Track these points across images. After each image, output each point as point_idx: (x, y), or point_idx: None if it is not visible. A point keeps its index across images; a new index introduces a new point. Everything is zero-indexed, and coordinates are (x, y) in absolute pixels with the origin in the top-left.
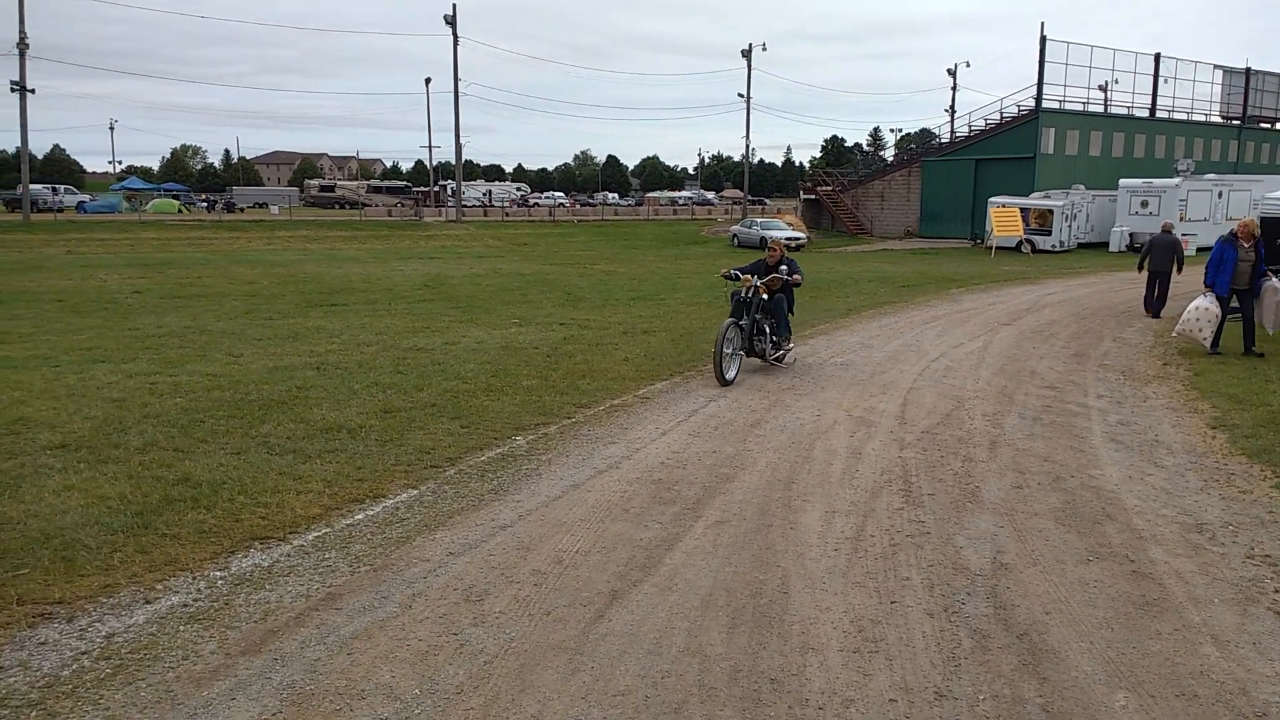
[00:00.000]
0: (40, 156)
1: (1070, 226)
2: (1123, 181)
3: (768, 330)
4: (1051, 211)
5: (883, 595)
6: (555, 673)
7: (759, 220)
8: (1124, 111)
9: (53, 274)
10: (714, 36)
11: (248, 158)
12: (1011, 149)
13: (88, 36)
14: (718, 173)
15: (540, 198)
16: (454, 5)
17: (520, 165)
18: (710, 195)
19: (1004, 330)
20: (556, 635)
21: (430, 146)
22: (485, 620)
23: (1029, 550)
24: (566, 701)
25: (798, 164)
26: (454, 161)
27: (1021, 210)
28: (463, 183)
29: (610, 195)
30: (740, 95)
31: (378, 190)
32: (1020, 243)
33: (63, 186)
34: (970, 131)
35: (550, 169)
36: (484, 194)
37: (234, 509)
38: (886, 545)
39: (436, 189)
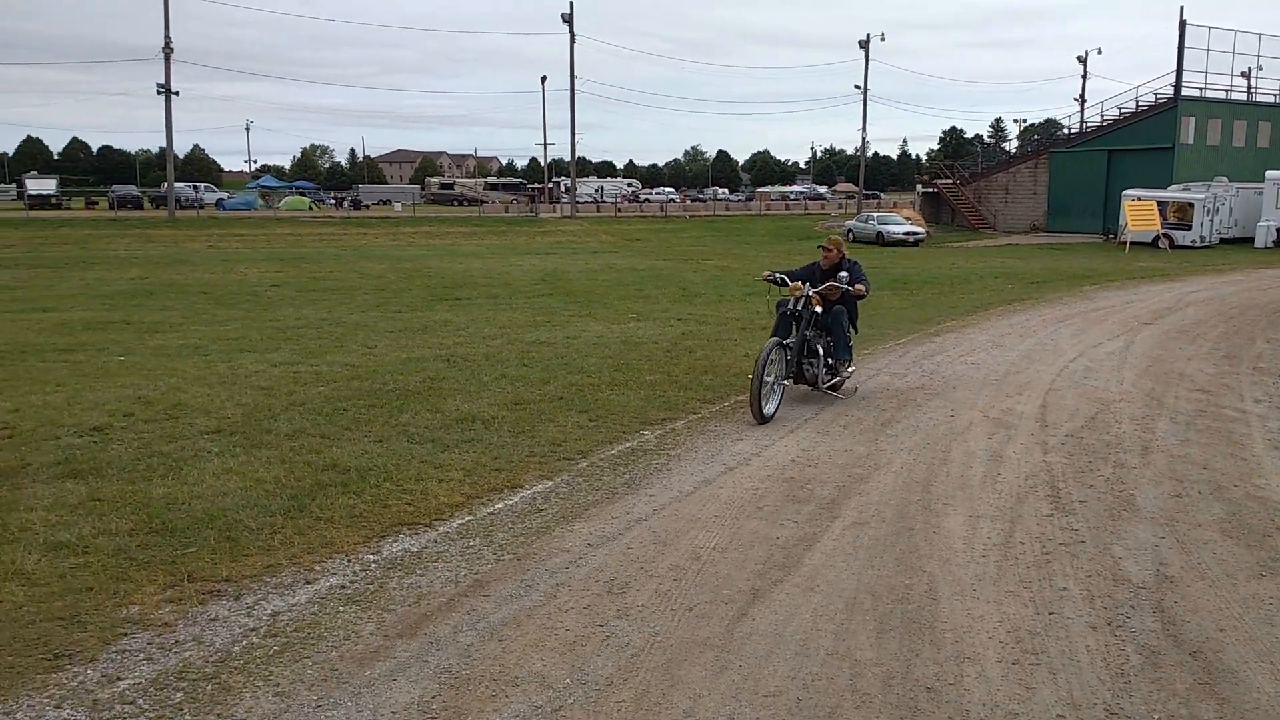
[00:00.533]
0: (182, 156)
1: (1212, 221)
2: (1270, 173)
3: (821, 351)
4: (1192, 205)
5: (1039, 605)
6: (703, 669)
7: (875, 214)
8: (1271, 99)
9: (197, 268)
10: (827, 28)
11: (372, 156)
12: (1148, 139)
13: (222, 40)
14: (830, 166)
15: (651, 193)
16: (571, 3)
17: (631, 161)
18: (822, 190)
19: (1145, 330)
20: (701, 632)
21: (545, 144)
22: (629, 613)
23: (1195, 563)
24: (717, 700)
25: (914, 156)
26: (568, 158)
27: (1159, 204)
28: (576, 179)
29: (721, 190)
30: (856, 87)
31: (494, 187)
32: (1157, 238)
33: (203, 185)
34: (1102, 121)
35: (660, 165)
36: (596, 190)
37: (381, 495)
38: (1038, 553)
39: (551, 185)
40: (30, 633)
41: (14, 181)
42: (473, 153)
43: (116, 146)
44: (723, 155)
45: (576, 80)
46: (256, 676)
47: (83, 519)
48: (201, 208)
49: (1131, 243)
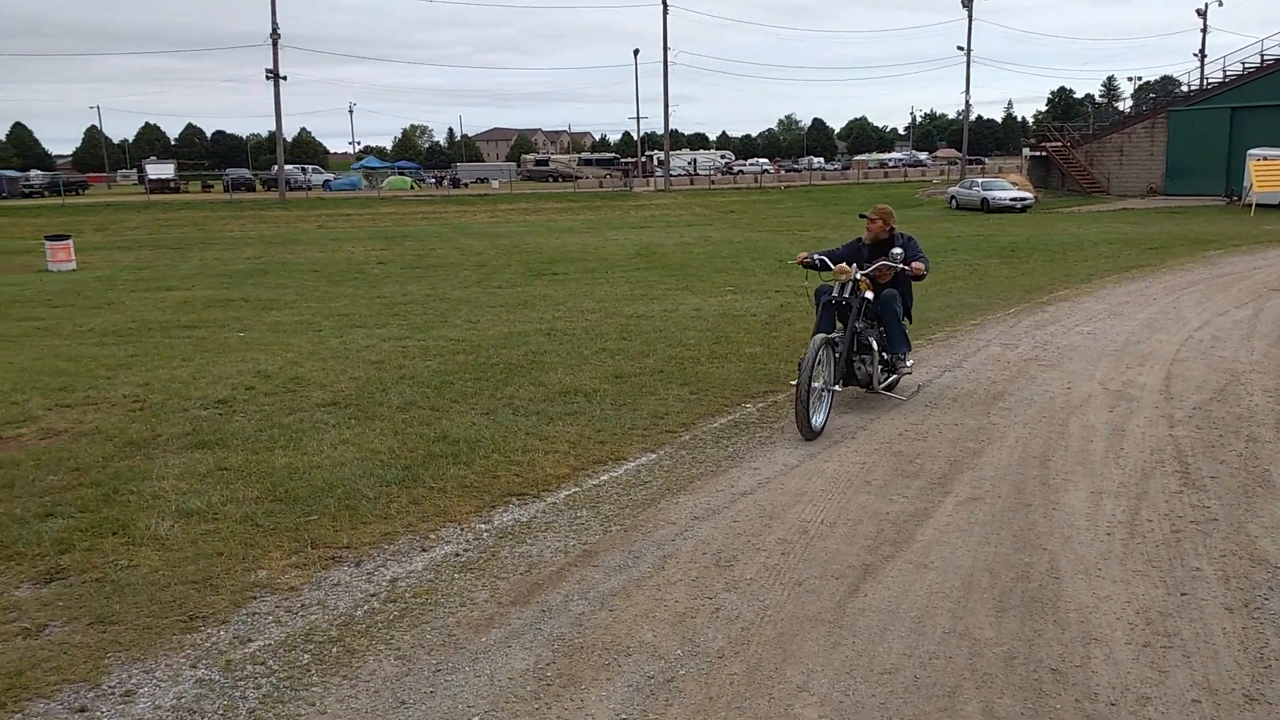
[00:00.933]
0: (290, 139)
1: None
2: None
3: (874, 345)
4: None
5: (1170, 586)
6: (815, 645)
7: (979, 180)
8: None
9: (308, 247)
10: None
11: (469, 135)
12: (1275, 95)
13: (326, 25)
14: (930, 132)
15: (744, 165)
16: None
17: (724, 133)
18: (923, 156)
19: (1276, 297)
20: (811, 607)
21: (638, 117)
22: (737, 586)
23: None
24: (831, 675)
25: (1019, 119)
26: (661, 131)
27: None
28: (670, 152)
29: (816, 160)
30: (959, 48)
31: (588, 162)
32: None
33: (310, 166)
34: (1225, 77)
35: (754, 135)
36: (689, 163)
37: (490, 466)
38: (1167, 531)
39: (644, 159)
40: (166, 595)
41: (135, 166)
42: (566, 128)
43: (229, 131)
44: (818, 123)
45: (669, 52)
46: (379, 640)
47: (211, 487)
48: (310, 189)
49: (1257, 205)
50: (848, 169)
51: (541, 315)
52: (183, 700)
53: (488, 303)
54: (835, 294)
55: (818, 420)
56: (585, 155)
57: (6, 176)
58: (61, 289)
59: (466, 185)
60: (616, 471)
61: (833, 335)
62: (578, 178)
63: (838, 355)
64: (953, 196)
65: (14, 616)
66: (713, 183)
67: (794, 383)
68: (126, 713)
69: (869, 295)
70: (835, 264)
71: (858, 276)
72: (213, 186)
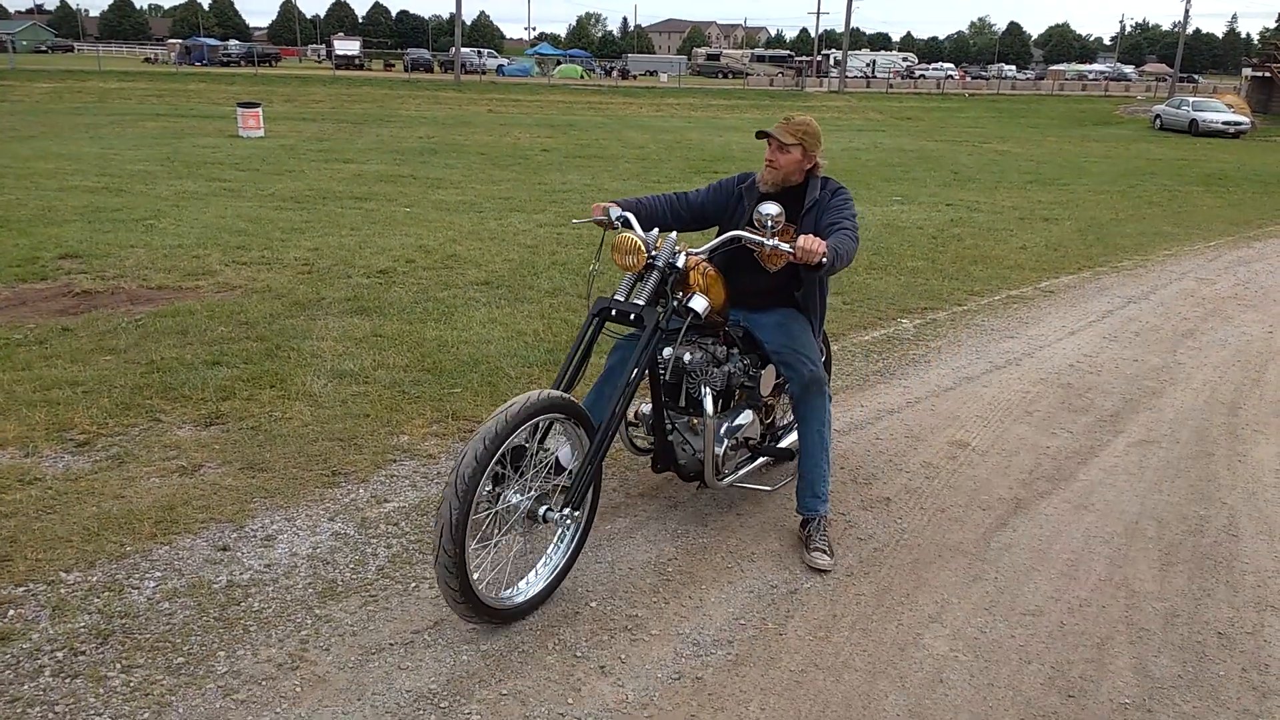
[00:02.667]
0: (469, 23)
1: None
2: None
3: (709, 400)
4: None
5: None
6: (953, 575)
7: (1190, 99)
8: None
9: (477, 129)
10: None
11: (643, 26)
12: None
13: None
14: (1139, 44)
15: (928, 69)
16: None
17: (909, 34)
18: (1128, 70)
19: None
20: (953, 536)
21: (818, 13)
22: (873, 505)
23: None
24: (967, 609)
25: (1243, 35)
26: (840, 29)
27: None
28: (848, 52)
29: (1007, 68)
30: None
31: (760, 59)
32: None
33: (486, 50)
34: None
35: (941, 37)
36: (868, 64)
37: None
38: None
39: (819, 59)
40: (313, 449)
41: (324, 42)
42: (742, 22)
43: (413, 12)
44: (1013, 28)
45: None
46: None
47: (365, 352)
48: (484, 73)
49: None
50: (1041, 79)
51: None
52: (318, 550)
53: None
54: (622, 297)
55: (511, 594)
56: (758, 51)
57: (207, 45)
58: (248, 154)
59: (634, 77)
60: None
61: (627, 377)
62: (748, 75)
63: (624, 415)
64: (1157, 116)
65: (174, 455)
66: (890, 87)
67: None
68: (265, 556)
69: (700, 305)
70: (649, 224)
71: (675, 261)
72: (394, 65)
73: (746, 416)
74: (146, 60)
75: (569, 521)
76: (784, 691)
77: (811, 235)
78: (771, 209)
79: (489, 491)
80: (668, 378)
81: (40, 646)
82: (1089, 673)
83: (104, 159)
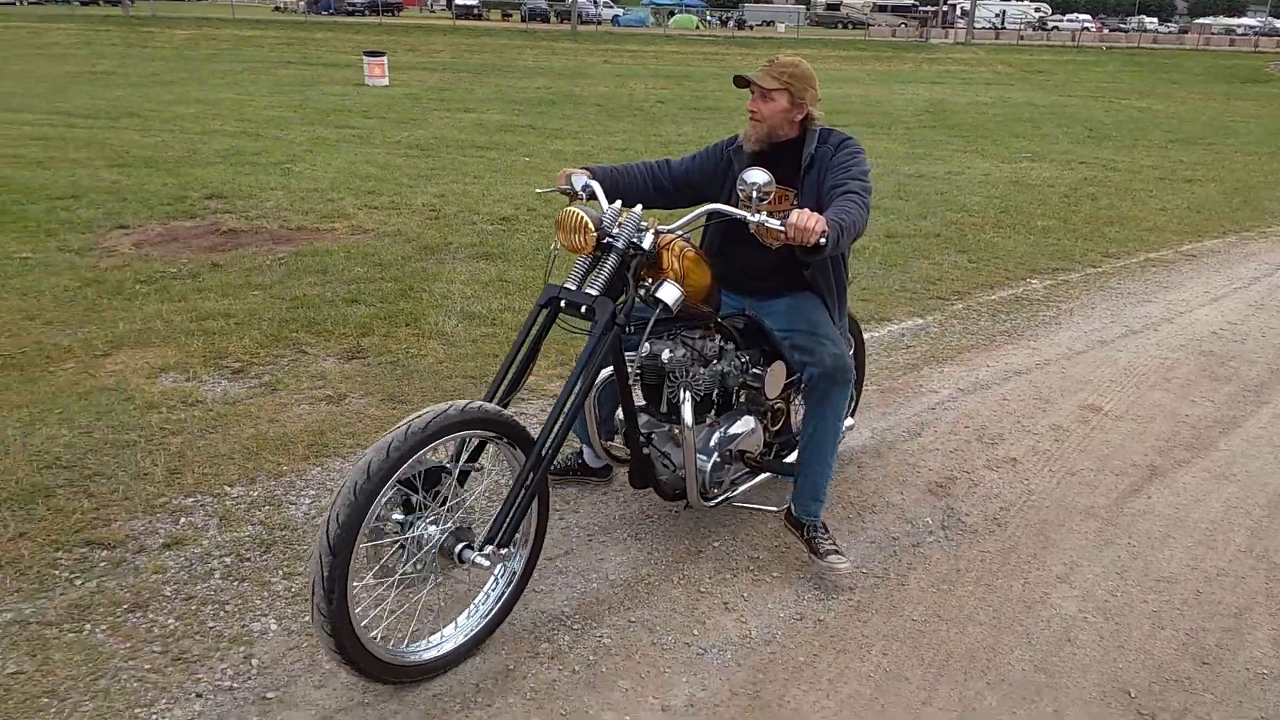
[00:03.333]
0: None
1: None
2: None
3: (688, 409)
4: None
5: None
6: (1082, 539)
7: None
8: None
9: (593, 80)
10: None
11: None
12: None
13: None
14: None
15: (1062, 21)
16: None
17: None
18: None
19: None
20: (1083, 499)
21: None
22: (999, 465)
23: None
24: (1098, 572)
25: None
26: None
27: None
28: (977, 2)
29: (1148, 20)
30: None
31: (883, 9)
32: None
33: (601, 0)
34: None
35: None
36: (997, 15)
37: None
38: None
39: (945, 9)
40: (447, 385)
41: None
42: None
43: None
44: None
45: None
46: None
47: (492, 295)
48: (599, 23)
49: None
50: (1185, 32)
51: None
52: None
53: None
54: (574, 285)
55: (419, 648)
56: (880, 1)
57: None
58: (374, 103)
59: (751, 27)
60: (878, 332)
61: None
62: (869, 25)
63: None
64: None
65: (320, 384)
66: (1021, 39)
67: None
68: None
69: (670, 294)
70: (624, 197)
71: (640, 240)
72: (511, 15)
73: (746, 424)
74: (276, 9)
75: (496, 564)
76: (906, 639)
77: (807, 210)
78: (758, 176)
79: (395, 520)
80: (645, 378)
81: (210, 552)
82: (1225, 641)
83: (240, 105)
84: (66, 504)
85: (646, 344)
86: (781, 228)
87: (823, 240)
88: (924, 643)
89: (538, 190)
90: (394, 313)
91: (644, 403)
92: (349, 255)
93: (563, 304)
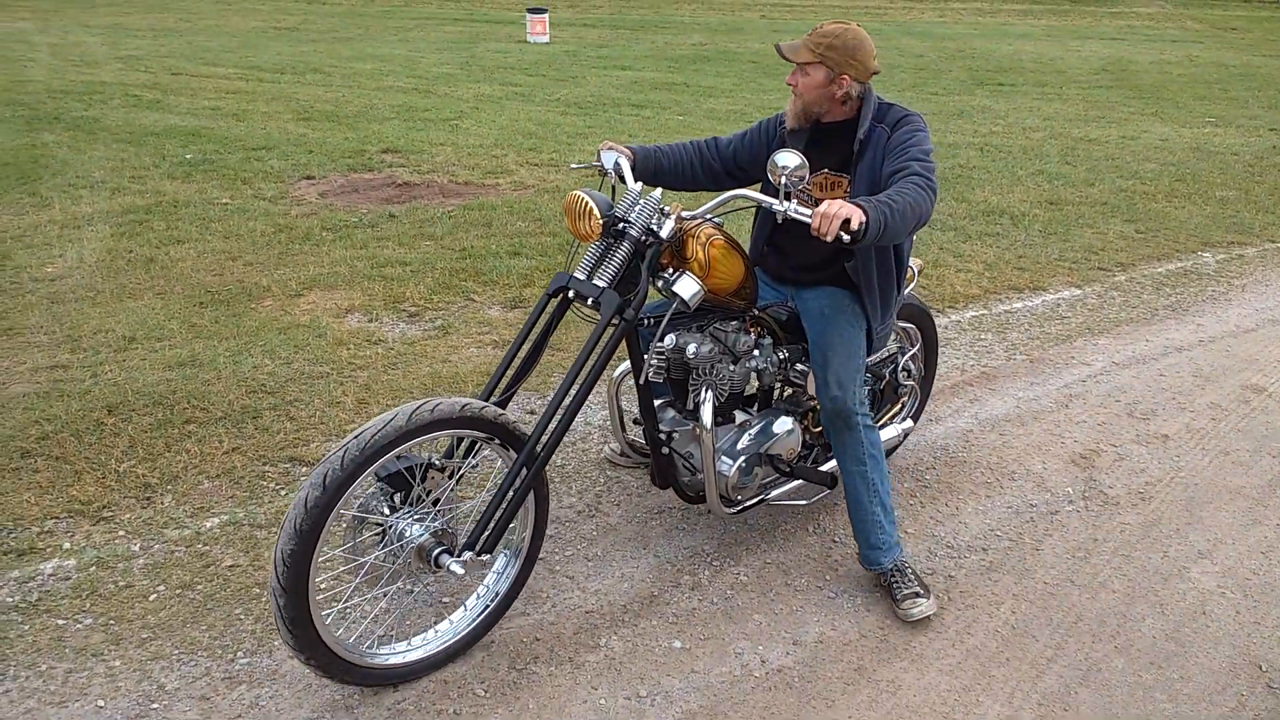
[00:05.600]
0: None
1: None
2: None
3: (708, 410)
4: None
5: None
6: (1230, 517)
7: None
8: None
9: (749, 36)
10: None
11: None
12: None
13: None
14: None
15: None
16: None
17: None
18: None
19: None
20: (1235, 479)
21: None
22: (1149, 440)
23: None
24: (1241, 550)
25: None
26: None
27: None
28: None
29: None
30: None
31: None
32: None
33: None
34: None
35: None
36: None
37: None
38: None
39: None
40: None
41: None
42: None
43: None
44: None
45: None
46: None
47: None
48: None
49: None
50: None
51: (976, 128)
52: (608, 422)
53: (920, 109)
54: (583, 275)
55: (386, 654)
56: None
57: None
58: (535, 59)
59: None
60: (1032, 301)
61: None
62: None
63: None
64: None
65: (486, 330)
66: None
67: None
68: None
69: (687, 289)
70: (667, 178)
71: (657, 226)
72: None
73: (781, 425)
74: None
75: (473, 572)
76: (1037, 600)
77: (838, 200)
78: (789, 159)
79: (383, 511)
80: (671, 372)
81: None
82: None
83: (412, 61)
84: (271, 425)
85: (672, 335)
86: (809, 219)
87: (856, 232)
88: (1054, 605)
89: (572, 165)
90: (552, 266)
91: (670, 397)
92: (511, 210)
93: (570, 294)
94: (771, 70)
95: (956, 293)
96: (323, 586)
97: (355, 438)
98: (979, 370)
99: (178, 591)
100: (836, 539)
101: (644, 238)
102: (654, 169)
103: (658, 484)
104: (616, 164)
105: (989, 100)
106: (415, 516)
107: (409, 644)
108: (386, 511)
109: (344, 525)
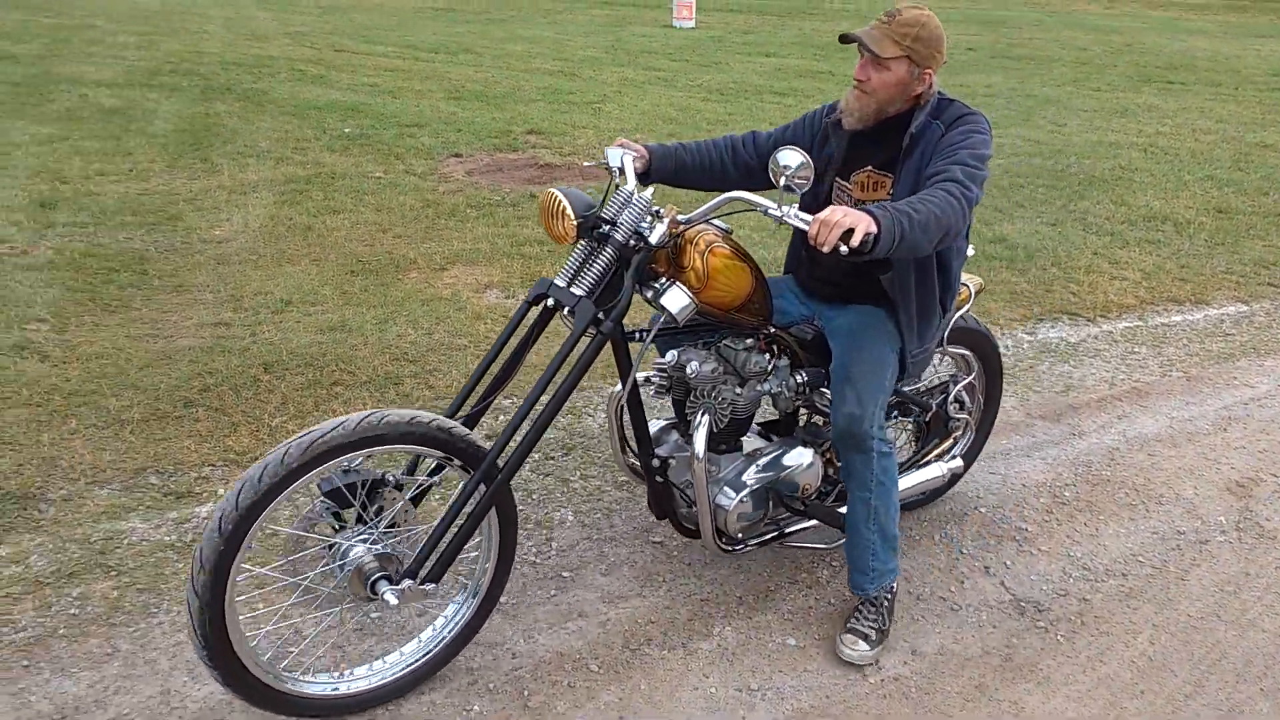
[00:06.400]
0: None
1: None
2: None
3: (701, 435)
4: None
5: None
6: None
7: None
8: None
9: None
10: None
11: None
12: None
13: None
14: None
15: None
16: None
17: None
18: None
19: None
20: None
21: None
22: None
23: None
24: None
25: None
26: None
27: None
28: None
29: None
30: None
31: None
32: None
33: None
34: None
35: None
36: None
37: (1045, 279)
38: None
39: None
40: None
41: None
42: None
43: None
44: None
45: None
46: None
47: (779, 244)
48: None
49: None
50: None
51: (1141, 128)
52: None
53: (1079, 106)
54: (564, 282)
55: (307, 682)
56: None
57: None
58: (680, 44)
59: None
60: (1192, 315)
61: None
62: None
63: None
64: None
65: None
66: None
67: None
68: None
69: (675, 302)
70: (692, 177)
71: (646, 230)
72: None
73: (796, 458)
74: None
75: (413, 603)
76: (1178, 632)
77: (842, 207)
78: (790, 158)
79: (325, 523)
80: (673, 392)
81: None
82: None
83: (559, 44)
84: (411, 391)
85: (674, 351)
86: (807, 226)
87: (852, 246)
88: (1196, 639)
89: (585, 164)
90: None
91: (675, 419)
92: None
93: (550, 302)
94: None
95: (1109, 301)
96: (255, 605)
97: (296, 441)
98: (1130, 385)
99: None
100: (964, 550)
101: (631, 242)
102: (675, 168)
103: (655, 513)
104: (622, 162)
105: (1156, 99)
106: (362, 537)
107: (337, 676)
108: (333, 529)
109: (284, 538)
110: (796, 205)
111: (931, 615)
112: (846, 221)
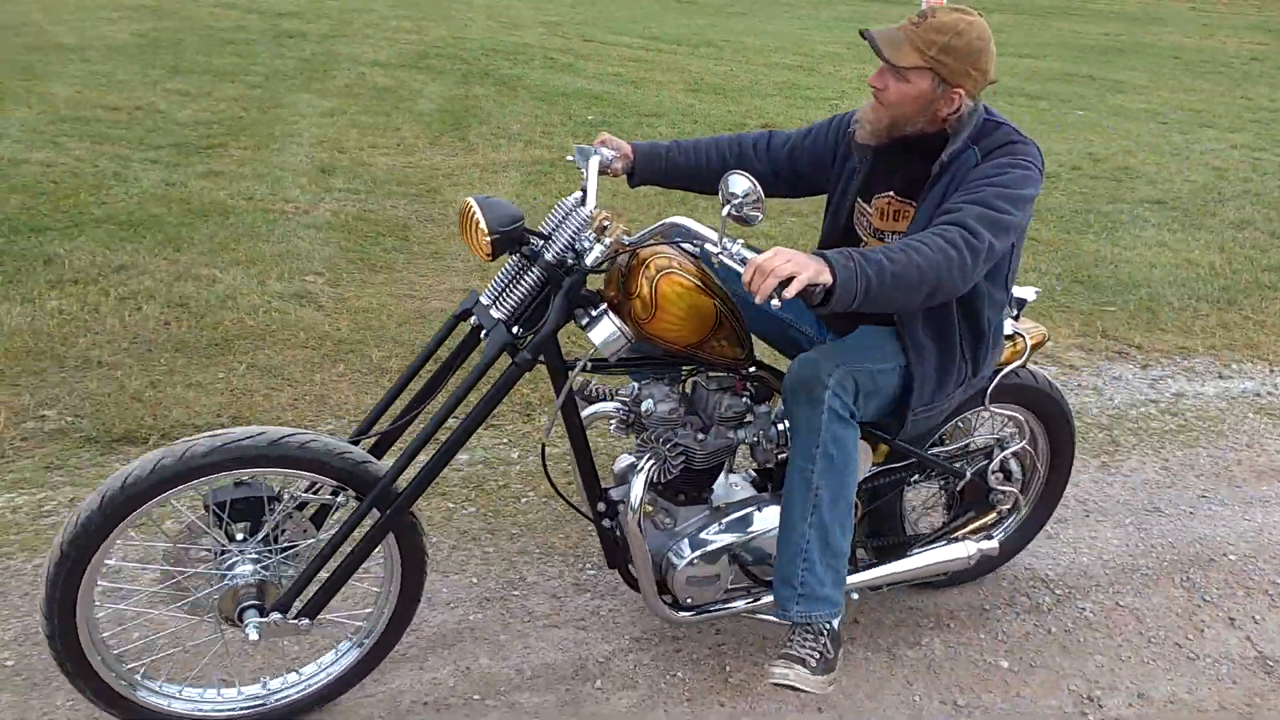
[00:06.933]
0: None
1: None
2: None
3: (637, 487)
4: None
5: None
6: None
7: None
8: None
9: (1171, 29)
10: None
11: None
12: None
13: None
14: None
15: None
16: None
17: None
18: None
19: None
20: None
21: None
22: None
23: None
24: None
25: None
26: None
27: None
28: None
29: None
30: None
31: None
32: None
33: None
34: None
35: None
36: None
37: None
38: None
39: None
40: None
41: None
42: None
43: None
44: None
45: None
46: (1147, 444)
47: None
48: None
49: None
50: None
51: None
52: None
53: None
54: (488, 300)
55: (160, 694)
56: None
57: None
58: None
59: None
60: None
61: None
62: None
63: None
64: None
65: None
66: None
67: None
68: None
69: (602, 335)
70: (682, 177)
71: (582, 248)
72: None
73: (769, 517)
74: None
75: (274, 637)
76: None
77: (785, 250)
78: (738, 184)
79: (224, 530)
80: (634, 430)
81: None
82: None
83: (801, 39)
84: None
85: (634, 384)
86: (741, 269)
87: (784, 297)
88: None
89: (568, 159)
90: None
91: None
92: None
93: (481, 325)
94: (1196, 68)
95: None
96: (114, 602)
97: (184, 446)
98: None
99: (543, 500)
100: (1208, 597)
101: (566, 261)
102: (663, 169)
103: (609, 564)
104: (589, 163)
105: None
106: (254, 555)
107: (195, 693)
108: (229, 538)
109: (180, 526)
110: (741, 243)
111: (1163, 660)
112: (785, 269)
